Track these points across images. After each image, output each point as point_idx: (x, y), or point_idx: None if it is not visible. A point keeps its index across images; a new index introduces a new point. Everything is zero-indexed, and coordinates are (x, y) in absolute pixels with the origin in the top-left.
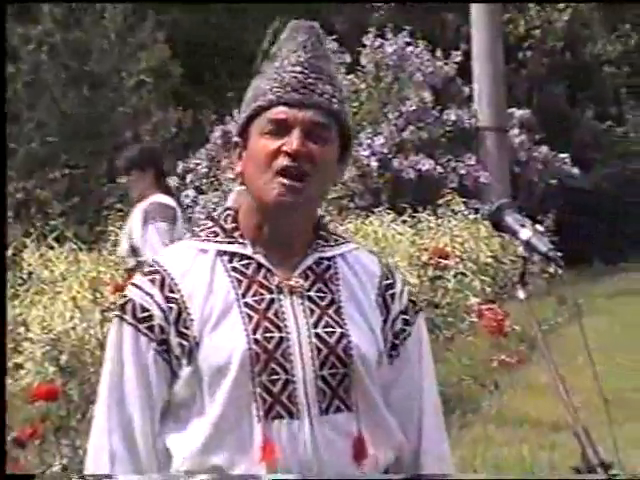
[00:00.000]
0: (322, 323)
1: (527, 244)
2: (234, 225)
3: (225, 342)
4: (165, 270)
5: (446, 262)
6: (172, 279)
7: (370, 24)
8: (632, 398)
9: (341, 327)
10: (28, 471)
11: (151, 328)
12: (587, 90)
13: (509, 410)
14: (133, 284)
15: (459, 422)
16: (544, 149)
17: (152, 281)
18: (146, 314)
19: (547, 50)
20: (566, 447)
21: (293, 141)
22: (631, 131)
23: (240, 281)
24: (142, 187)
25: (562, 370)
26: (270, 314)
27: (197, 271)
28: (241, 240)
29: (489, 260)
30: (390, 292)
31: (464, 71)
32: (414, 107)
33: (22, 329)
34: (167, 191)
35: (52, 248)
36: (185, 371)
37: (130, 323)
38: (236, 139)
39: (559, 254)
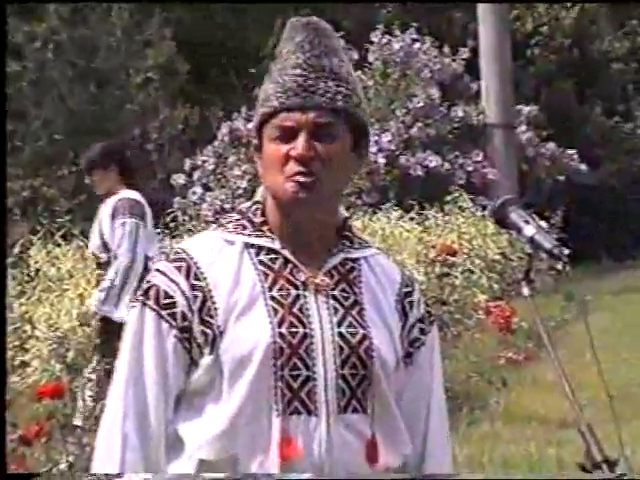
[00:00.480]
0: (345, 323)
1: (531, 241)
2: (263, 219)
3: (250, 333)
4: (192, 258)
5: (453, 259)
6: (198, 267)
7: (377, 21)
8: (639, 394)
9: (364, 328)
10: (34, 469)
11: (173, 315)
12: (595, 87)
13: (517, 407)
14: (157, 270)
15: (467, 419)
16: (552, 146)
17: (178, 268)
18: (169, 300)
19: (555, 47)
20: (574, 444)
21: (299, 145)
22: (639, 127)
23: (267, 275)
24: (107, 185)
25: (570, 367)
26: (295, 309)
27: (223, 262)
28: (269, 234)
29: (497, 257)
30: (409, 299)
31: (472, 68)
32: (421, 104)
33: (28, 327)
34: (134, 187)
35: (59, 245)
36: (206, 360)
37: (153, 308)
38: (255, 142)
39: (566, 251)
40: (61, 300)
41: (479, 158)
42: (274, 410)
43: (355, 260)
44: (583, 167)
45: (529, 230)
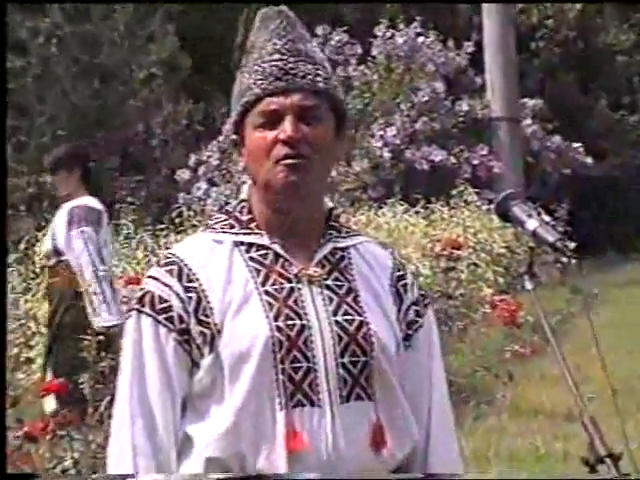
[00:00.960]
0: (341, 311)
1: (534, 234)
2: (250, 216)
3: (247, 329)
4: (182, 261)
5: (459, 253)
6: (190, 269)
7: (381, 15)
8: None
9: (360, 315)
10: (37, 468)
11: (170, 319)
12: (600, 79)
13: (523, 401)
14: (150, 276)
15: (473, 413)
16: (557, 139)
17: (170, 272)
18: (165, 305)
19: (560, 40)
20: (580, 438)
21: (286, 128)
22: None
23: (259, 271)
24: (69, 187)
25: (575, 360)
26: (290, 302)
27: (214, 261)
28: (257, 231)
29: (502, 251)
30: (402, 283)
31: (476, 61)
32: (426, 98)
33: (33, 324)
34: (93, 192)
35: None
36: (207, 359)
37: (149, 315)
38: (233, 137)
39: (572, 244)
40: None
41: (484, 152)
42: (277, 404)
43: (344, 249)
44: (589, 160)
45: (532, 224)
